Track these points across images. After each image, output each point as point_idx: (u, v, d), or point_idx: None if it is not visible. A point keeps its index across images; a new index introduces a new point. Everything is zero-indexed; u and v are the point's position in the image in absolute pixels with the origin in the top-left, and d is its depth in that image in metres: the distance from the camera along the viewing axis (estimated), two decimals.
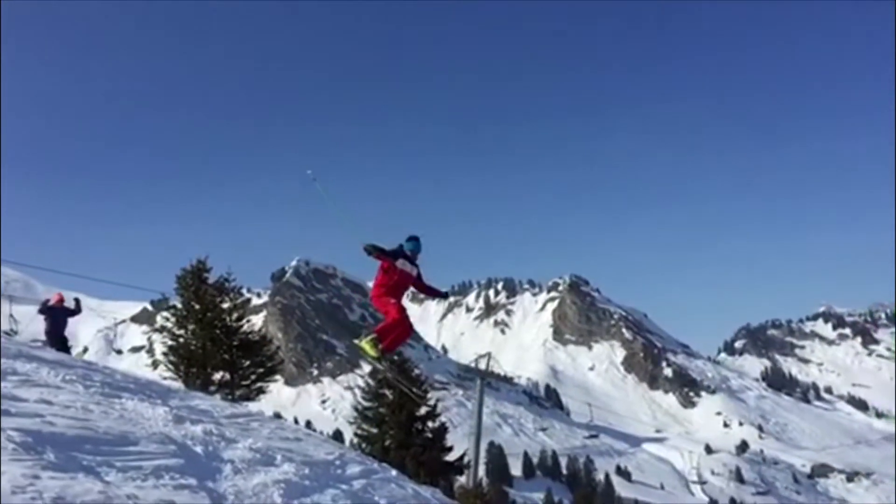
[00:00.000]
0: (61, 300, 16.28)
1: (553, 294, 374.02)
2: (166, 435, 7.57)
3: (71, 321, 16.97)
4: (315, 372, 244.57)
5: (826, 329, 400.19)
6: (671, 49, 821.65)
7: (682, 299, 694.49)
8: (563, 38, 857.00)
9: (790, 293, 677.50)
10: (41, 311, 16.06)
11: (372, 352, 10.07)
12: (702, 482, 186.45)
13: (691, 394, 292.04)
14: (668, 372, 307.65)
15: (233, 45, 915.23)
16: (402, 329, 10.21)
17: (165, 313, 26.61)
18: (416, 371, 31.40)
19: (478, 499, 30.72)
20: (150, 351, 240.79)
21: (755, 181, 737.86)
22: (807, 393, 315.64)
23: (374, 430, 28.95)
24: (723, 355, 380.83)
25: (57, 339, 16.15)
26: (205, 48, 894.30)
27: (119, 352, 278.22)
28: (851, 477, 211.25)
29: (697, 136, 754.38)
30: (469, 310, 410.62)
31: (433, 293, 11.18)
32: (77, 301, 16.84)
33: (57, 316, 16.03)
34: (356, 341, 10.58)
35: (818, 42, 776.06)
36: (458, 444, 34.08)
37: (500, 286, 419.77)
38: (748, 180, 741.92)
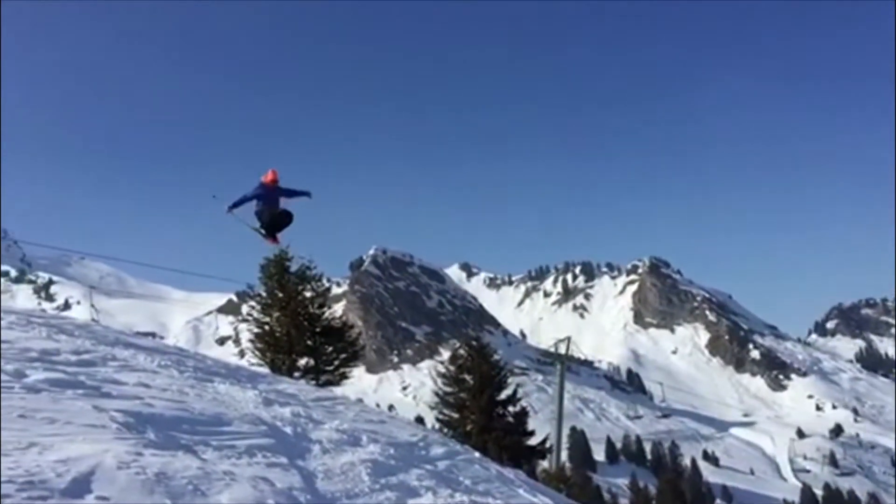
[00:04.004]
0: (274, 179, 13.22)
1: (633, 277, 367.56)
2: (257, 416, 7.86)
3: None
4: (395, 359, 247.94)
5: None
6: (755, 27, 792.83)
7: (769, 279, 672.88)
8: (645, 15, 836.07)
9: (883, 270, 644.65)
10: (254, 195, 13.15)
11: None
12: (804, 471, 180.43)
13: (781, 376, 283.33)
14: (755, 354, 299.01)
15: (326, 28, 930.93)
16: None
17: (252, 302, 27.40)
18: (496, 357, 31.37)
19: (561, 483, 30.67)
20: (237, 340, 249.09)
21: (842, 160, 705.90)
22: None
23: (456, 415, 29.11)
24: (814, 336, 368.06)
25: (263, 215, 13.41)
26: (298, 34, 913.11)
27: (221, 342, 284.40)
28: None
29: (784, 119, 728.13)
30: (547, 295, 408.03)
31: None
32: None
33: (267, 195, 13.23)
34: None
35: None
36: (540, 428, 34.01)
37: (577, 270, 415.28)
38: (836, 160, 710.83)
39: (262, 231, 13.52)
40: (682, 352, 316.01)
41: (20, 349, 7.75)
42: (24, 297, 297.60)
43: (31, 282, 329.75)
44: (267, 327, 25.61)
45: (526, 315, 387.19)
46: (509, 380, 30.99)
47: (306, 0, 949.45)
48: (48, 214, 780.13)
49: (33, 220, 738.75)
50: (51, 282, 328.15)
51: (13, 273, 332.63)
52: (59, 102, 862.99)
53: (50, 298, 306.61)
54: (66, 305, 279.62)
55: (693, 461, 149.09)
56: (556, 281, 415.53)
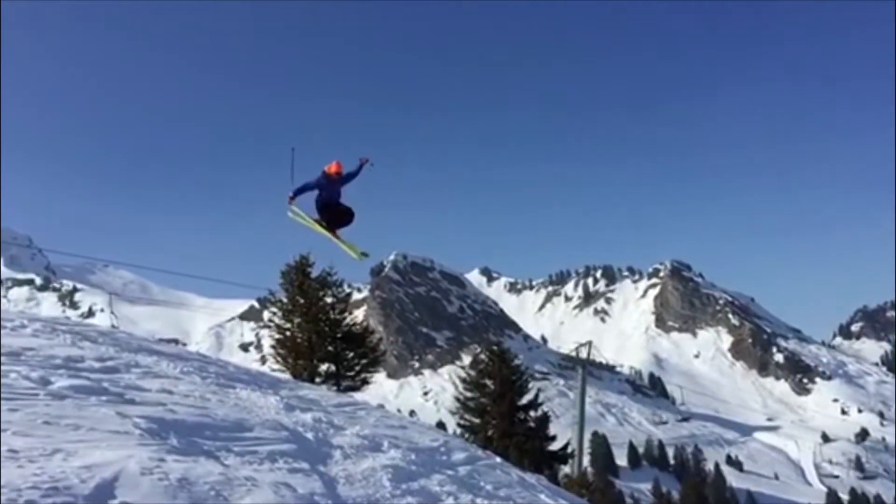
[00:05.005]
0: (339, 172, 12.60)
1: (654, 280, 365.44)
2: (279, 422, 7.88)
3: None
4: (416, 364, 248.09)
5: None
6: (778, 27, 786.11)
7: (793, 282, 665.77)
8: (662, 17, 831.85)
9: None
10: (317, 184, 12.75)
11: None
12: (830, 476, 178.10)
13: (805, 380, 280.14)
14: (779, 358, 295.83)
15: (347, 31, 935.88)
16: None
17: (273, 308, 27.47)
18: (517, 361, 31.25)
19: (583, 488, 30.48)
20: (259, 347, 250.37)
21: (865, 160, 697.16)
22: None
23: (477, 420, 29.06)
24: (838, 339, 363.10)
25: (325, 208, 12.95)
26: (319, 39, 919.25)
27: (243, 348, 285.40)
28: None
29: (806, 120, 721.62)
30: (568, 299, 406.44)
31: None
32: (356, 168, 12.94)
33: (328, 187, 12.70)
34: None
35: None
36: (561, 433, 33.91)
37: (598, 274, 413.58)
38: (859, 160, 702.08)
39: (323, 223, 12.95)
40: (704, 356, 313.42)
41: (45, 356, 7.82)
42: (48, 305, 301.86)
43: (55, 289, 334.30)
44: (288, 333, 25.66)
45: (547, 319, 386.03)
46: (530, 385, 30.89)
47: (328, 1, 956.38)
48: (72, 223, 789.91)
49: (58, 228, 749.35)
50: (75, 289, 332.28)
51: (38, 281, 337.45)
52: (78, 109, 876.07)
53: (74, 306, 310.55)
54: (90, 313, 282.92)
55: (716, 466, 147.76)
56: (576, 285, 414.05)
